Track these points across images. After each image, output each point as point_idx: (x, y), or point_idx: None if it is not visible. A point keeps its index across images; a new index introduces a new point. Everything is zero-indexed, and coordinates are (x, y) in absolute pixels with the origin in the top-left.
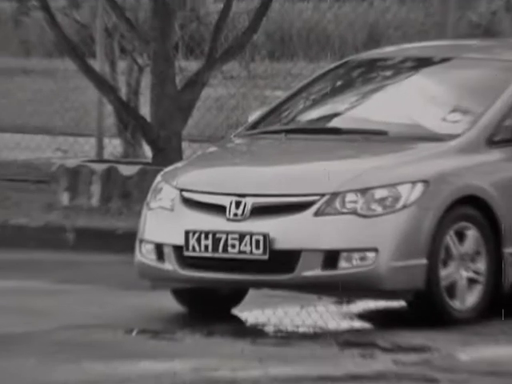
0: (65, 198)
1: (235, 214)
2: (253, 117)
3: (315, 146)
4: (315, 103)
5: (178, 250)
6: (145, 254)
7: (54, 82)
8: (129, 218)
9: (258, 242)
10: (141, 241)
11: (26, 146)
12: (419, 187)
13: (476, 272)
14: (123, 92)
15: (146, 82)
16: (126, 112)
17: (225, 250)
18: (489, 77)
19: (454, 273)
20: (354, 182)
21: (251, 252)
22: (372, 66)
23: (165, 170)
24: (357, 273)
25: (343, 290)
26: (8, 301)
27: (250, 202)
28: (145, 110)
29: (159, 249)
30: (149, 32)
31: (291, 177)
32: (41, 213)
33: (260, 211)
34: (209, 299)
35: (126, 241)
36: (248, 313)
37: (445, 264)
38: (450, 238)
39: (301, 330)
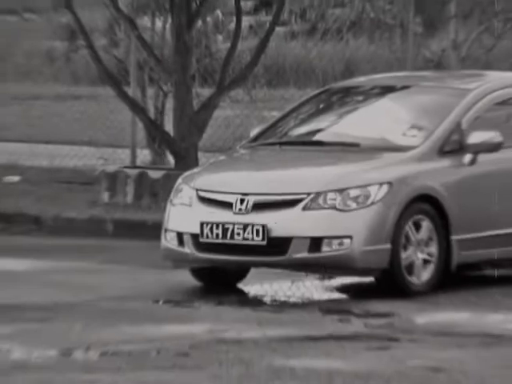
0: (105, 197)
1: (240, 209)
2: (254, 132)
3: (303, 155)
4: (303, 121)
5: (194, 237)
6: (169, 241)
7: (97, 105)
8: (156, 212)
9: (258, 231)
10: (165, 230)
11: (75, 155)
12: (385, 188)
13: (429, 254)
14: (151, 112)
15: (169, 104)
16: (154, 128)
17: (232, 237)
18: (439, 101)
19: (411, 255)
20: (333, 184)
21: (253, 239)
22: (348, 92)
23: (184, 174)
24: (336, 255)
25: (325, 268)
26: (60, 277)
27: (251, 199)
28: (168, 126)
29: (180, 236)
30: (172, 65)
31: (284, 179)
32: (86, 208)
33: (259, 207)
34: (219, 276)
35: (154, 230)
36: (250, 287)
37: (405, 248)
38: (408, 228)
39: (292, 300)
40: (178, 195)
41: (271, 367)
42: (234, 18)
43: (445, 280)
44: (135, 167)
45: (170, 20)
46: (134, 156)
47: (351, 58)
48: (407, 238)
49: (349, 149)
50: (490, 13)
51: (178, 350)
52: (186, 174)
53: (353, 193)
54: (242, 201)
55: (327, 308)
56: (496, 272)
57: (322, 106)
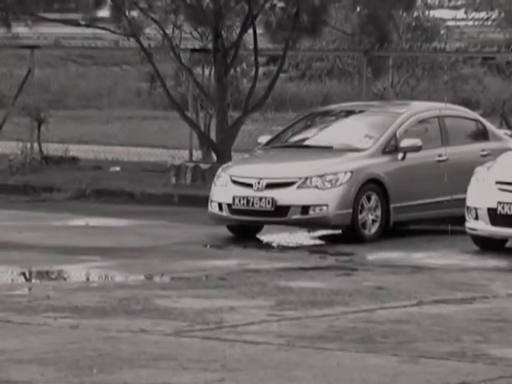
0: (173, 180)
1: (257, 188)
2: (261, 139)
3: (297, 154)
4: (297, 133)
5: (229, 205)
6: (213, 208)
7: (168, 122)
8: (205, 190)
9: (269, 201)
10: (211, 201)
11: (154, 154)
12: (348, 174)
13: (376, 216)
14: (202, 127)
15: (213, 123)
16: (203, 137)
17: (252, 205)
18: (382, 120)
19: (365, 216)
20: (316, 172)
21: (265, 207)
22: (325, 114)
23: (222, 166)
24: (318, 217)
25: (311, 225)
26: (145, 230)
27: (264, 181)
28: (212, 136)
29: (220, 205)
30: (214, 98)
31: (285, 169)
32: (162, 187)
33: (270, 186)
34: (244, 229)
35: (204, 201)
36: (264, 236)
37: (360, 212)
38: (363, 199)
39: (290, 244)
40: (218, 179)
41: (277, 286)
42: (254, 68)
43: (385, 232)
44: (192, 161)
45: (213, 69)
46: (191, 154)
47: (327, 93)
48: (362, 206)
49: (325, 150)
50: (414, 64)
51: (218, 275)
52: (224, 166)
53: (328, 177)
54: (258, 182)
55: (312, 250)
56: (418, 227)
57: (308, 123)
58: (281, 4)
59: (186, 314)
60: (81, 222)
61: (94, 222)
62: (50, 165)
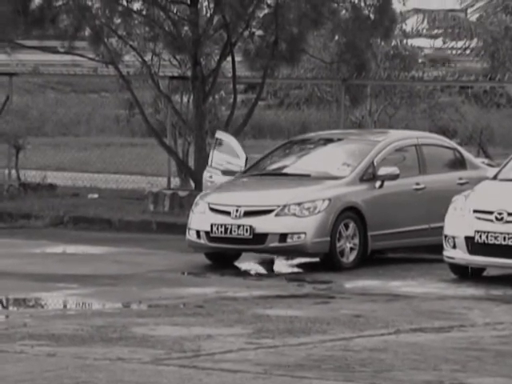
0: (151, 207)
1: (235, 216)
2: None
3: (275, 182)
4: (275, 161)
5: (207, 233)
6: (191, 235)
7: (146, 149)
8: (183, 217)
9: (247, 229)
10: (189, 228)
11: (132, 181)
12: (326, 202)
13: (354, 244)
14: (180, 154)
15: (191, 150)
16: (182, 165)
17: (230, 233)
18: (360, 148)
19: (343, 244)
20: (294, 199)
21: (243, 234)
22: (303, 142)
23: (200, 193)
24: (296, 244)
25: (289, 253)
26: (122, 257)
27: (242, 209)
28: (191, 163)
29: (198, 232)
30: (193, 125)
31: (263, 197)
32: (139, 214)
33: (248, 214)
34: (222, 257)
35: (182, 228)
36: (242, 264)
37: (338, 240)
38: (341, 227)
39: (268, 272)
40: (196, 207)
41: (255, 314)
42: (232, 96)
43: (363, 260)
44: (170, 189)
45: (192, 97)
46: (169, 182)
47: (305, 121)
48: (340, 234)
49: (304, 178)
50: (391, 93)
51: (196, 303)
52: (202, 193)
53: (306, 205)
54: (236, 210)
55: (290, 277)
56: (396, 255)
57: (287, 151)
58: (259, 32)
59: (164, 341)
60: (58, 249)
61: (71, 249)
62: (28, 192)
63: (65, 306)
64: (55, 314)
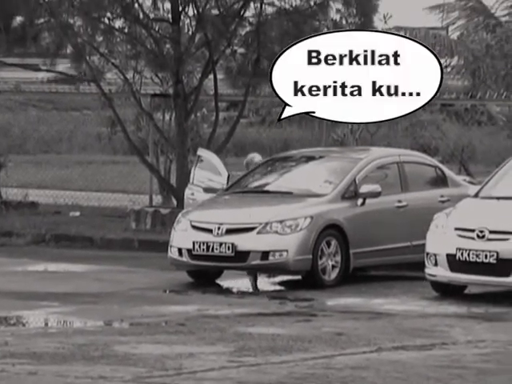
0: (133, 225)
1: (217, 233)
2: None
3: (257, 199)
4: (257, 178)
5: (189, 251)
6: (173, 253)
7: (128, 167)
8: (165, 235)
9: (229, 247)
10: (171, 246)
11: (114, 199)
12: (308, 220)
13: (336, 262)
14: (162, 172)
15: (173, 167)
16: (164, 182)
17: (212, 251)
18: (342, 165)
19: (325, 262)
20: (275, 217)
21: (225, 252)
22: (285, 160)
23: (182, 211)
24: (278, 262)
25: (271, 270)
26: (104, 275)
27: (224, 227)
28: (173, 181)
29: (180, 250)
30: (175, 143)
31: (245, 214)
32: (121, 232)
33: (230, 232)
34: (204, 275)
35: (164, 246)
36: (224, 282)
37: (320, 258)
38: (323, 245)
39: (249, 290)
40: (178, 224)
41: (237, 332)
42: (214, 114)
43: (345, 278)
44: (152, 206)
45: (174, 114)
46: (151, 199)
47: (287, 138)
48: (322, 251)
49: (286, 195)
50: None
51: (178, 321)
52: (184, 211)
53: (288, 223)
54: (218, 228)
55: (272, 295)
56: (378, 272)
57: (269, 168)
58: (241, 50)
59: (146, 360)
60: (40, 267)
61: (53, 267)
62: (10, 210)
63: (46, 324)
64: (36, 332)
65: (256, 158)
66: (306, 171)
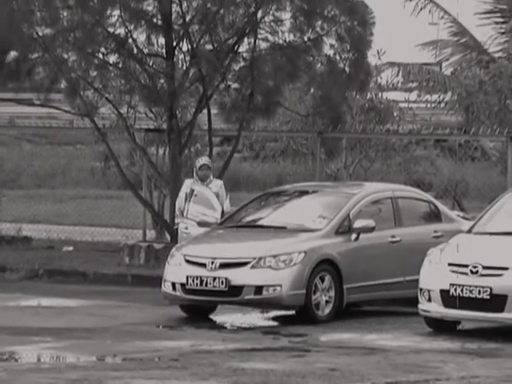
0: (127, 260)
1: (211, 268)
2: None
3: (250, 234)
4: (250, 213)
5: (182, 285)
6: (166, 287)
7: (122, 202)
8: (159, 269)
9: (222, 281)
10: (164, 280)
11: (107, 234)
12: (302, 255)
13: (329, 297)
14: (156, 207)
15: (167, 202)
16: (157, 217)
17: (206, 285)
18: (336, 200)
19: (318, 297)
20: (269, 251)
21: (219, 287)
22: (279, 194)
23: (176, 245)
24: (271, 297)
25: (265, 305)
26: (97, 310)
27: (218, 261)
28: (166, 216)
29: (173, 285)
30: (169, 178)
31: (239, 249)
32: (115, 267)
33: (223, 266)
34: (198, 310)
35: (158, 281)
36: (217, 317)
37: (314, 293)
38: (317, 280)
39: (243, 325)
40: (172, 259)
41: (230, 367)
42: (208, 148)
43: (339, 313)
44: (145, 241)
45: (167, 149)
46: (144, 234)
47: (281, 173)
48: (316, 286)
49: (279, 230)
50: (367, 146)
51: (171, 356)
52: (177, 245)
53: (282, 258)
54: (212, 262)
55: (265, 330)
56: (371, 308)
57: (262, 203)
58: (235, 85)
59: None
60: (33, 302)
61: (46, 302)
62: (3, 244)
63: (39, 360)
64: (29, 367)
65: (202, 160)
66: (299, 206)
